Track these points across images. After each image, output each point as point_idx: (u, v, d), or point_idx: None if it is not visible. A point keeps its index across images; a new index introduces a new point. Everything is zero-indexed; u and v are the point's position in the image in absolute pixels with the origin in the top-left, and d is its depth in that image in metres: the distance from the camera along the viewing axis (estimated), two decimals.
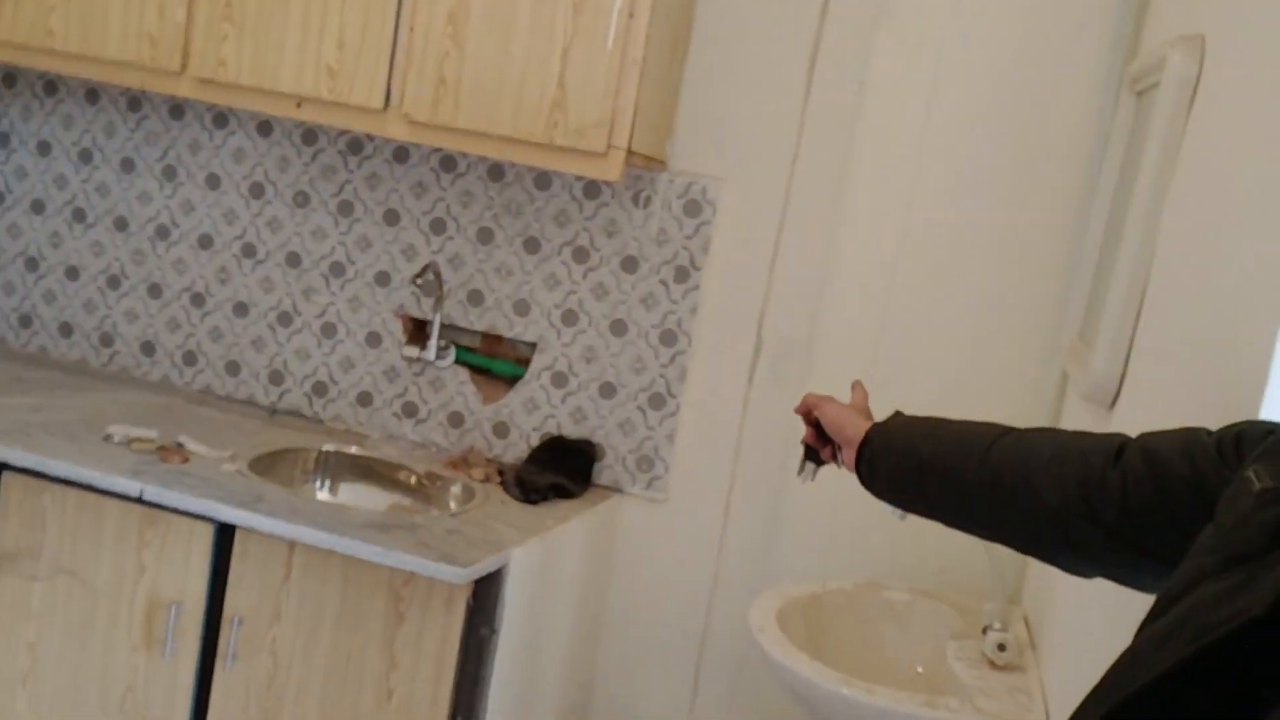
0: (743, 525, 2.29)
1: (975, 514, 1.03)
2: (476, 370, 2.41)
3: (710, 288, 2.27)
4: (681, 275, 2.27)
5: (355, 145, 2.41)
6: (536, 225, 2.33)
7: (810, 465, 1.28)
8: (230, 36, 2.07)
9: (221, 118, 2.47)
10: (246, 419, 2.41)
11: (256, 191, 2.47)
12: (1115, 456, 0.91)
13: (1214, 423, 1.13)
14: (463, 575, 1.75)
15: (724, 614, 2.31)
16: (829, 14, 2.16)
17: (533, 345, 2.38)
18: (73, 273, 2.60)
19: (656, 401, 2.31)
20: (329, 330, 2.46)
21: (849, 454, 1.16)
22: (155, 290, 2.55)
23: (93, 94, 2.54)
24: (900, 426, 1.12)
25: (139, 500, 1.88)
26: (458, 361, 2.40)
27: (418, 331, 2.45)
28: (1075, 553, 0.95)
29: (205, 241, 2.51)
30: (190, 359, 2.55)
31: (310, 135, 2.43)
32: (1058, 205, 2.08)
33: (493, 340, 2.41)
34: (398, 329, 2.43)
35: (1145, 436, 0.92)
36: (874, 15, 2.14)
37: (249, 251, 2.49)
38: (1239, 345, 1.13)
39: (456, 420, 2.42)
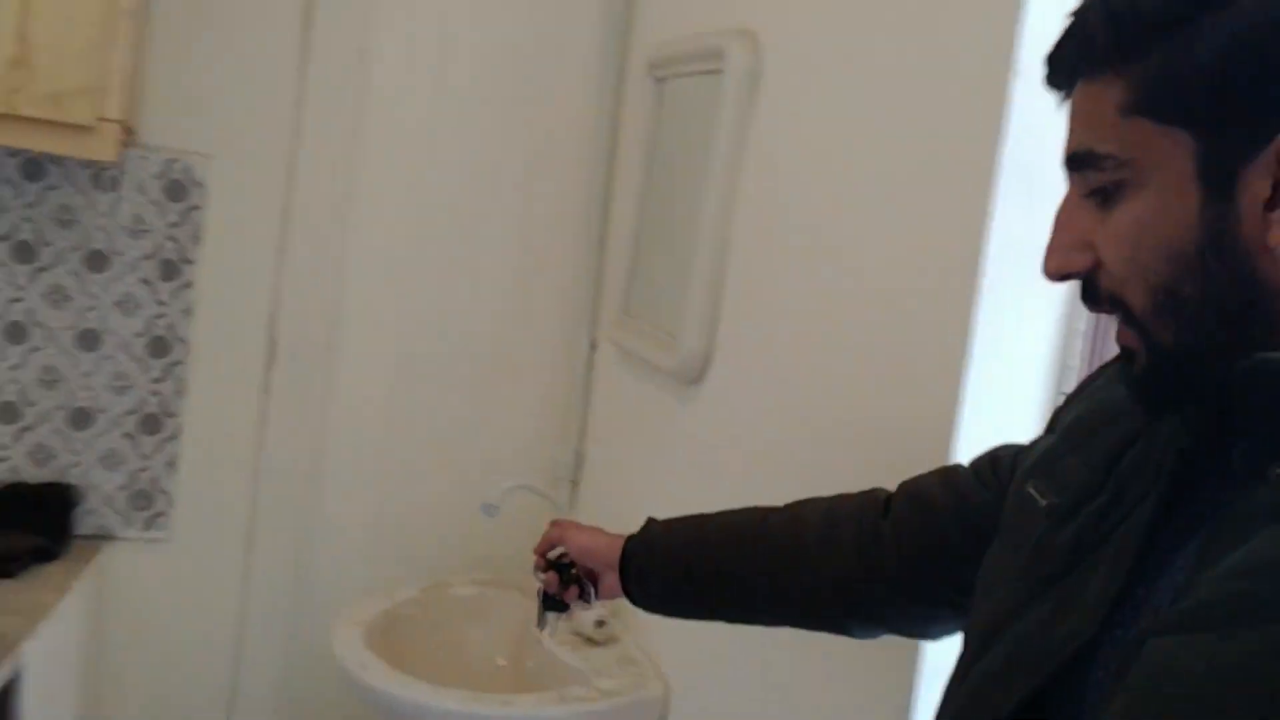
0: (271, 552, 2.02)
1: (757, 605, 0.99)
2: None
3: (207, 285, 1.93)
4: (169, 271, 1.90)
5: None
6: None
7: (550, 615, 1.11)
8: None
9: None
10: None
11: None
12: (883, 509, 0.92)
13: (789, 394, 1.37)
14: None
15: (258, 655, 2.03)
16: None
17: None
18: None
19: (150, 424, 1.92)
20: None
21: (610, 578, 1.05)
22: None
23: None
24: (660, 535, 1.04)
25: None
26: None
27: None
28: (863, 617, 0.94)
29: None
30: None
31: None
32: (573, 185, 2.12)
33: None
34: None
35: (906, 482, 0.94)
36: None
37: None
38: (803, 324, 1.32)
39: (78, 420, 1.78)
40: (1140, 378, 0.63)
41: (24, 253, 1.82)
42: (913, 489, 0.93)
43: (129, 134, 1.76)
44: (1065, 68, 0.64)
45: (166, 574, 1.96)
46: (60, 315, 1.85)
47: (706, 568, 0.99)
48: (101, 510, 1.91)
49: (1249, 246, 0.57)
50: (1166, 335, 0.60)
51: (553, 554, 1.10)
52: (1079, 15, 0.63)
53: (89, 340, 1.87)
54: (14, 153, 1.79)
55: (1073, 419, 0.77)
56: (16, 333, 1.83)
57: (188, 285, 1.92)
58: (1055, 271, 0.64)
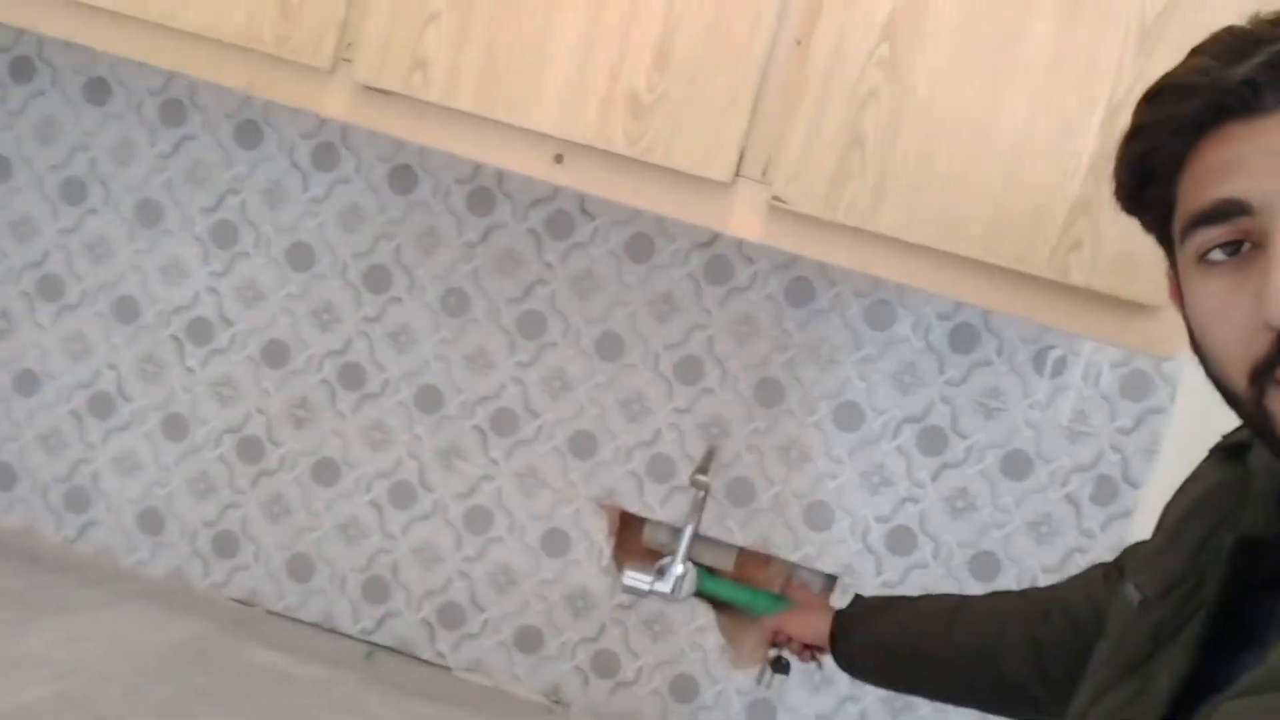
0: None
1: (951, 688, 1.07)
2: (725, 609, 1.47)
3: (1149, 517, 1.39)
4: (1105, 492, 1.39)
5: (559, 223, 1.45)
6: (860, 384, 1.42)
7: (774, 675, 1.31)
8: (444, 21, 1.10)
9: (326, 152, 1.49)
10: (327, 668, 1.39)
11: (376, 282, 1.48)
12: (1043, 619, 0.99)
13: None
14: None
15: None
16: None
17: (832, 579, 1.45)
18: (27, 382, 1.55)
19: None
20: (478, 519, 1.48)
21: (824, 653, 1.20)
22: (175, 425, 1.52)
23: (97, 86, 1.52)
24: (860, 617, 1.16)
25: None
26: (699, 593, 1.44)
27: (627, 535, 1.49)
28: (1041, 712, 0.98)
29: (275, 354, 1.50)
30: (226, 544, 1.52)
31: (482, 199, 1.46)
32: None
33: (758, 562, 1.47)
34: (600, 528, 1.47)
35: (1061, 591, 1.01)
36: None
37: (351, 379, 1.49)
38: None
39: (686, 690, 1.46)
40: None
41: (932, 440, 1.41)
42: (1065, 602, 0.98)
43: None
44: None
45: None
46: (957, 527, 1.41)
47: (903, 653, 1.09)
48: None
49: None
50: None
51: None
52: None
53: (983, 566, 1.41)
54: (942, 317, 1.40)
55: (1176, 513, 0.77)
56: (902, 540, 1.42)
57: (1125, 515, 1.39)
58: None
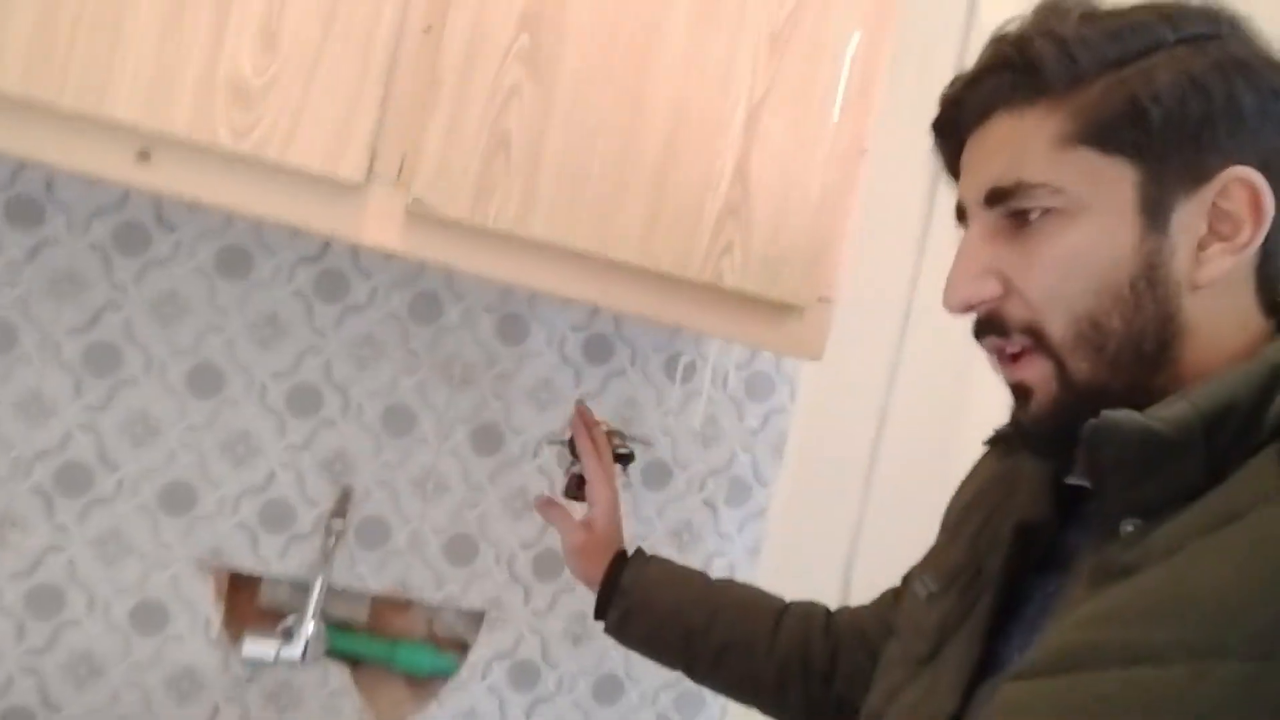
0: None
1: (751, 689, 1.00)
2: (362, 665, 1.31)
3: (781, 513, 1.43)
4: (738, 493, 1.41)
5: (130, 236, 1.21)
6: (496, 404, 1.32)
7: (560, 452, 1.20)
8: None
9: None
10: None
11: None
12: (857, 645, 0.94)
13: None
14: None
15: None
16: None
17: (478, 616, 1.34)
18: None
19: (689, 704, 1.40)
20: (45, 600, 1.20)
21: (591, 573, 1.09)
22: None
23: None
24: (660, 584, 1.04)
25: None
26: (331, 652, 1.27)
27: (240, 597, 1.28)
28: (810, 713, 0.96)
29: None
30: None
31: (26, 209, 1.18)
32: None
33: (395, 609, 1.33)
34: (205, 594, 1.24)
35: (856, 615, 0.98)
36: None
37: None
38: None
39: None
40: (1039, 414, 0.62)
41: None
42: (861, 628, 0.95)
43: None
44: (981, 101, 0.64)
45: None
46: None
47: (713, 640, 1.00)
48: None
49: (1178, 282, 0.58)
50: (1083, 367, 0.59)
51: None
52: (1012, 46, 0.63)
53: None
54: (576, 328, 1.35)
55: (956, 509, 0.80)
56: (547, 566, 1.35)
57: (759, 514, 1.42)
58: (962, 301, 0.63)
